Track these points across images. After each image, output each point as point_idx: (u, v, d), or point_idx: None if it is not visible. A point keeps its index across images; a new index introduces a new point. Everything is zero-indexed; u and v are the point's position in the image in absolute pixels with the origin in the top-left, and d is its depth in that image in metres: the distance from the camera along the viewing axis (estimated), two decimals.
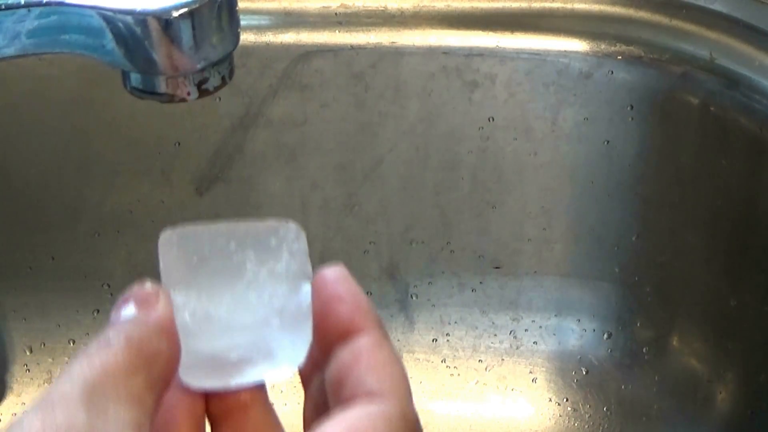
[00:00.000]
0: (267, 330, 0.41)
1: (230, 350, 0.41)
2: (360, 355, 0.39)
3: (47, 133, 0.77)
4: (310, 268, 0.42)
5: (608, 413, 0.80)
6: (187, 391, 0.41)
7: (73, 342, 0.82)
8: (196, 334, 0.41)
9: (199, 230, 0.42)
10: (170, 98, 0.51)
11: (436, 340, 0.82)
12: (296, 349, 0.41)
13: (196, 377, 0.41)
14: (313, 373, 0.43)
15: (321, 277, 0.41)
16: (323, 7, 0.76)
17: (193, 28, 0.49)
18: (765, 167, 0.72)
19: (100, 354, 0.38)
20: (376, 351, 0.39)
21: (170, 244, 0.41)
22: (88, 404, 0.36)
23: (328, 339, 0.40)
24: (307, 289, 0.41)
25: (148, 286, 0.41)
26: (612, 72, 0.75)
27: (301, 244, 0.42)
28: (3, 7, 0.50)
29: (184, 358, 0.40)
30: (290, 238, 0.42)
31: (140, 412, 0.37)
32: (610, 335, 0.81)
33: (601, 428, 0.80)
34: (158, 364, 0.39)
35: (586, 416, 0.81)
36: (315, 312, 0.41)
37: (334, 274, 0.41)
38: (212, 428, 0.42)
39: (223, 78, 0.52)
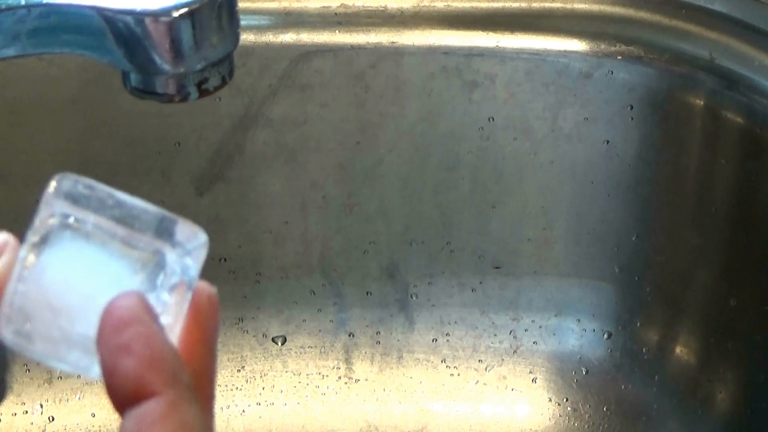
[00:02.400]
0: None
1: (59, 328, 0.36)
2: (142, 427, 0.32)
3: (47, 133, 0.77)
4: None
5: (608, 413, 0.80)
6: None
7: None
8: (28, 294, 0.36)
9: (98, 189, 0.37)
10: (170, 98, 0.51)
11: (436, 340, 0.82)
12: None
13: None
14: None
15: (108, 314, 0.33)
16: (323, 7, 0.76)
17: (193, 28, 0.49)
18: (765, 167, 0.72)
19: None
20: (162, 423, 0.32)
21: (57, 194, 0.38)
22: None
23: (117, 400, 0.33)
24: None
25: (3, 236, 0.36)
26: (612, 72, 0.75)
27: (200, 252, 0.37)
28: (3, 7, 0.50)
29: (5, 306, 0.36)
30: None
31: None
32: (610, 335, 0.81)
33: (600, 428, 0.80)
34: None
35: (586, 416, 0.81)
36: (103, 364, 0.34)
37: (124, 306, 0.33)
38: None
39: (223, 78, 0.52)
